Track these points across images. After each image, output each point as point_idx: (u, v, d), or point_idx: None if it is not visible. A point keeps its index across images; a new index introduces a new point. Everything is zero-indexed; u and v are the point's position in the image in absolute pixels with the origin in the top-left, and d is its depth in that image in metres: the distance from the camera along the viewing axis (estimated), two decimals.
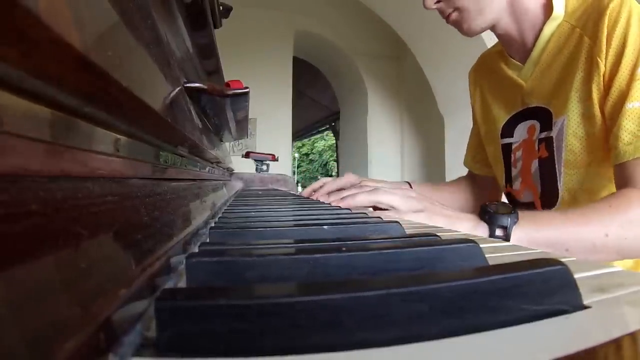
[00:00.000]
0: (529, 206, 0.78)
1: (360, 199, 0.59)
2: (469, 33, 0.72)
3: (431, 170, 3.82)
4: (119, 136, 0.22)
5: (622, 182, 0.62)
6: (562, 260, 0.17)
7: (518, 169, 0.80)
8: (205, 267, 0.18)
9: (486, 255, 0.22)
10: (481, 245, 0.22)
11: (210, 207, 0.46)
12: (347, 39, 3.96)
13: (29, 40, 0.11)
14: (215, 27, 0.81)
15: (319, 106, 6.20)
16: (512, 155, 0.82)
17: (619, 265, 0.50)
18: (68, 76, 0.14)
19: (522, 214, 0.55)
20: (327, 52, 4.19)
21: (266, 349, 0.12)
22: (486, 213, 0.55)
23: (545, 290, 0.15)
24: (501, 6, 0.71)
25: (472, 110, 0.96)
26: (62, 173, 0.16)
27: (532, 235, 0.54)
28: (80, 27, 0.13)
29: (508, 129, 0.82)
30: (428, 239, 0.27)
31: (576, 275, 0.16)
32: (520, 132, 0.79)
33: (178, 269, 0.21)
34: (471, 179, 1.01)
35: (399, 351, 0.12)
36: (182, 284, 0.20)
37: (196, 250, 0.23)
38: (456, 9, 0.69)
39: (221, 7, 0.88)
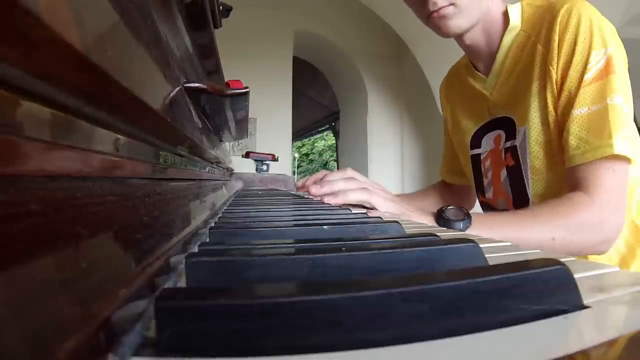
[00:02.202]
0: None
1: (352, 197, 0.62)
2: (451, 32, 0.71)
3: (431, 170, 3.82)
4: (119, 136, 0.22)
5: (572, 185, 0.64)
6: (562, 260, 0.17)
7: (489, 179, 0.82)
8: (205, 267, 0.18)
9: (486, 255, 0.22)
10: (481, 246, 0.22)
11: (210, 207, 0.46)
12: (347, 39, 3.95)
13: (29, 40, 0.11)
14: (215, 27, 0.81)
15: (319, 106, 6.20)
16: (482, 166, 0.83)
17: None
18: (68, 76, 0.14)
19: (475, 217, 0.57)
20: (327, 52, 4.18)
21: (266, 349, 0.12)
22: (441, 218, 0.58)
23: (545, 290, 0.15)
24: (482, 11, 0.71)
25: (445, 123, 0.98)
26: (62, 173, 0.16)
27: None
28: (80, 27, 0.13)
29: (476, 141, 0.83)
30: (428, 239, 0.27)
31: (576, 275, 0.16)
32: (487, 142, 0.81)
33: (178, 269, 0.21)
34: (446, 186, 1.05)
35: (399, 351, 0.12)
36: (182, 283, 0.20)
37: (196, 250, 0.23)
38: (452, 3, 0.68)
39: (221, 7, 0.88)
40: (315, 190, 0.65)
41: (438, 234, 0.28)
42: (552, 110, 0.66)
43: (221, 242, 0.28)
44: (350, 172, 0.79)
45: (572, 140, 0.62)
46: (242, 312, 0.12)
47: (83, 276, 0.12)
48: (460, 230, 0.55)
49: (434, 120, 3.54)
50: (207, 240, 0.30)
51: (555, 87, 0.65)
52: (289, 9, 3.68)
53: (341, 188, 0.64)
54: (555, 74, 0.64)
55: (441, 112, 1.00)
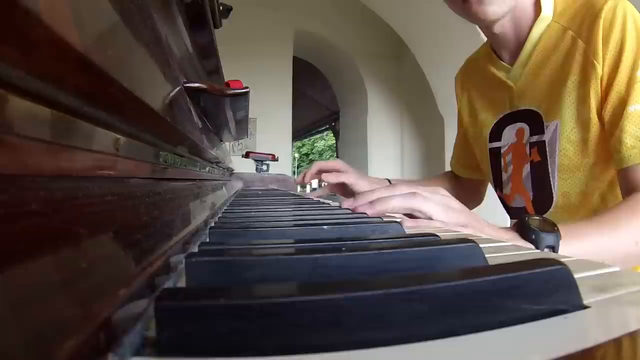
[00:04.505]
0: (520, 211, 0.77)
1: (394, 205, 0.49)
2: (488, 18, 0.67)
3: (431, 170, 3.82)
4: (119, 136, 0.22)
5: (630, 186, 0.61)
6: (562, 260, 0.17)
7: (509, 174, 0.79)
8: (204, 267, 0.18)
9: (486, 255, 0.22)
10: (481, 246, 0.22)
11: (210, 207, 0.46)
12: (347, 39, 3.96)
13: (29, 40, 0.11)
14: (215, 27, 0.81)
15: (319, 106, 6.20)
16: (502, 160, 0.80)
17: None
18: (68, 76, 0.14)
19: (561, 229, 0.49)
20: (327, 52, 4.19)
21: (266, 349, 0.12)
22: (530, 231, 0.47)
23: (545, 290, 0.15)
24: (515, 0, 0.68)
25: (458, 114, 0.95)
26: (62, 173, 0.16)
27: (574, 252, 0.48)
28: (80, 27, 0.13)
29: (496, 133, 0.81)
30: (428, 239, 0.27)
31: (576, 275, 0.16)
32: (508, 135, 0.78)
33: (178, 269, 0.21)
34: (456, 178, 1.01)
35: (399, 351, 0.12)
36: (182, 283, 0.20)
37: (196, 250, 0.23)
38: None
39: (221, 7, 0.88)
40: (348, 203, 0.52)
41: (438, 234, 0.28)
42: (594, 107, 0.63)
43: (221, 242, 0.28)
44: (340, 164, 0.69)
45: (628, 139, 0.59)
46: (242, 312, 0.12)
47: (83, 276, 0.12)
48: (550, 247, 0.46)
49: (434, 120, 3.54)
50: (207, 240, 0.30)
51: (600, 83, 0.62)
52: (289, 9, 3.69)
53: (381, 195, 0.51)
54: (601, 69, 0.62)
55: (452, 107, 0.96)
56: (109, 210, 0.18)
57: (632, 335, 0.13)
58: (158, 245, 0.19)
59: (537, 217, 0.50)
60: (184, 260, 0.19)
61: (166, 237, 0.21)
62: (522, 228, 0.49)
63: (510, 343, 0.13)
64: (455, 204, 0.51)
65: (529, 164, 0.74)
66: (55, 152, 0.15)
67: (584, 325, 0.15)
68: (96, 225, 0.16)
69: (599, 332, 0.14)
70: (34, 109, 0.13)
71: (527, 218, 0.49)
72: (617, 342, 0.13)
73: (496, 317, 0.14)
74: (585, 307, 0.16)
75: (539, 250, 0.31)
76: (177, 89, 0.37)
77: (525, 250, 0.31)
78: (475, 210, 0.99)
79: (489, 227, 0.50)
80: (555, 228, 0.48)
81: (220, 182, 0.88)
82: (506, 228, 0.52)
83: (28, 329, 0.08)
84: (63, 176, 0.16)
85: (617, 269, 0.23)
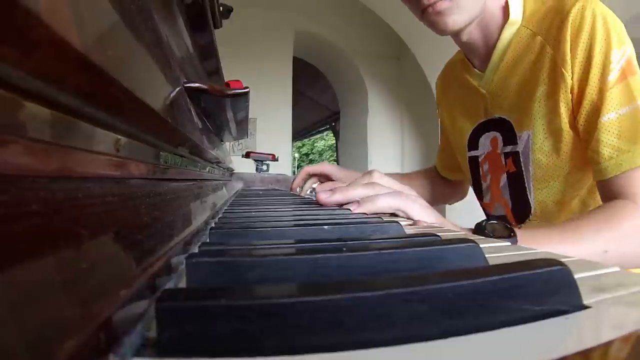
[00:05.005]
0: (501, 219, 0.75)
1: (382, 205, 0.50)
2: (448, 29, 0.65)
3: None
4: (119, 136, 0.22)
5: (610, 196, 0.60)
6: (562, 260, 0.17)
7: (487, 183, 0.78)
8: (205, 268, 0.18)
9: (486, 256, 0.22)
10: (481, 246, 0.22)
11: (210, 207, 0.46)
12: (347, 39, 3.96)
13: (29, 40, 0.11)
14: (216, 27, 0.81)
15: (319, 106, 6.20)
16: (481, 169, 0.79)
17: None
18: (68, 76, 0.14)
19: (519, 234, 0.50)
20: (327, 52, 4.19)
21: (266, 349, 0.12)
22: (484, 236, 0.49)
23: (545, 290, 0.15)
24: (481, 6, 0.66)
25: (440, 120, 0.94)
26: (62, 173, 0.16)
27: None
28: (80, 27, 0.13)
29: (473, 141, 0.79)
30: (428, 239, 0.27)
31: (576, 275, 0.16)
32: (484, 144, 0.77)
33: (178, 269, 0.21)
34: (439, 175, 1.02)
35: (399, 351, 0.12)
36: (183, 284, 0.20)
37: (196, 250, 0.23)
38: None
39: (221, 8, 0.88)
40: (324, 197, 0.53)
41: (438, 234, 0.28)
42: (565, 117, 0.61)
43: (222, 242, 0.28)
44: (376, 176, 0.60)
45: (604, 150, 0.57)
46: (243, 312, 0.12)
47: (84, 277, 0.12)
48: None
49: (434, 120, 3.54)
50: (208, 240, 0.30)
51: (569, 93, 0.60)
52: (289, 9, 3.69)
53: (364, 194, 0.52)
54: (570, 78, 0.59)
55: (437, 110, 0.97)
56: (109, 210, 0.18)
57: (632, 335, 0.13)
58: (159, 246, 0.19)
59: (495, 222, 0.51)
60: (184, 261, 0.19)
61: (167, 238, 0.21)
62: (477, 231, 0.50)
63: (511, 343, 0.13)
64: (424, 202, 0.52)
65: (505, 174, 0.73)
66: (55, 152, 0.15)
67: (584, 325, 0.15)
68: (97, 226, 0.16)
69: (600, 333, 0.14)
70: (34, 109, 0.13)
71: (484, 222, 0.50)
72: (617, 342, 0.13)
73: (497, 318, 0.14)
74: (586, 308, 0.16)
75: (539, 250, 0.31)
76: (178, 89, 0.37)
77: (525, 250, 0.31)
78: (460, 207, 1.00)
79: (452, 226, 0.51)
80: (512, 234, 0.48)
81: (221, 182, 0.88)
82: (467, 229, 0.52)
83: (29, 329, 0.08)
84: (63, 177, 0.16)
85: (617, 269, 0.23)
